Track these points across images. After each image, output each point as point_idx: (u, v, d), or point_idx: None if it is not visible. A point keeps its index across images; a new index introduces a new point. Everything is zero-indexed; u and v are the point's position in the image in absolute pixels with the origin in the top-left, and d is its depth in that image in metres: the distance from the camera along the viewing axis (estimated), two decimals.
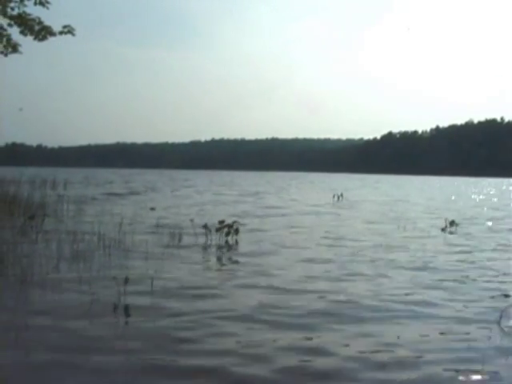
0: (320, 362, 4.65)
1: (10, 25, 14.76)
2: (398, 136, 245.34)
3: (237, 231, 12.20)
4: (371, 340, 5.26)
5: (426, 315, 6.19)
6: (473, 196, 42.32)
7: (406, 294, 7.17)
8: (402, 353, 4.89)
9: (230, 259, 10.11)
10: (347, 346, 5.07)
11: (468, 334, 5.53)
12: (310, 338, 5.27)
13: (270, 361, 4.65)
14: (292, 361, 4.67)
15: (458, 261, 10.07)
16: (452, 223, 15.55)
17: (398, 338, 5.33)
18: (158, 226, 14.26)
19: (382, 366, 4.57)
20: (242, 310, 6.24)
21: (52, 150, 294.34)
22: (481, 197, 41.09)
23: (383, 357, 4.78)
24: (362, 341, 5.24)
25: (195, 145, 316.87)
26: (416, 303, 6.70)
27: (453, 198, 38.59)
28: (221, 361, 4.61)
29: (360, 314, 6.20)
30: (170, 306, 6.30)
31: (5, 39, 14.93)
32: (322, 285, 7.70)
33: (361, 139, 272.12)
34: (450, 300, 6.92)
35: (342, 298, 6.91)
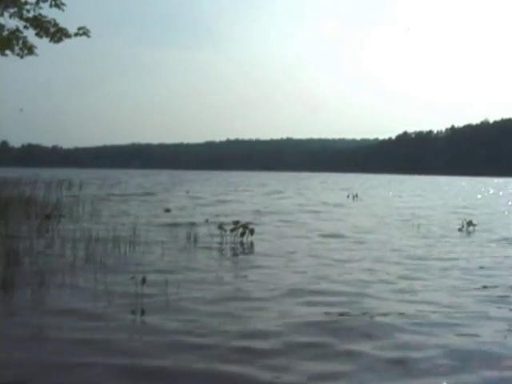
0: None
1: (25, 27, 14.86)
2: (413, 136, 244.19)
3: (252, 231, 12.19)
4: None
5: None
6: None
7: None
8: None
9: (245, 260, 10.09)
10: None
11: None
12: None
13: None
14: None
15: None
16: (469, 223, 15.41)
17: None
18: (173, 226, 14.31)
19: None
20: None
21: (67, 150, 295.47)
22: None
23: None
24: None
25: (210, 145, 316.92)
26: None
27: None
28: (239, 367, 4.54)
29: None
30: (186, 307, 6.30)
31: (21, 41, 15.01)
32: (340, 287, 7.68)
33: (376, 139, 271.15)
34: None
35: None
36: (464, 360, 4.72)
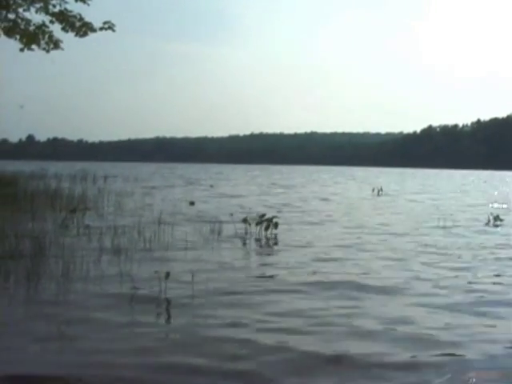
0: None
1: (51, 22, 14.95)
2: (438, 130, 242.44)
3: (276, 225, 12.17)
4: None
5: None
6: None
7: None
8: None
9: (269, 254, 10.06)
10: None
11: None
12: None
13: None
14: None
15: None
16: (496, 218, 15.26)
17: None
18: (197, 219, 14.34)
19: None
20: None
21: (92, 144, 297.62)
22: None
23: None
24: None
25: (234, 139, 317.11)
26: None
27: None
28: (266, 364, 4.46)
29: None
30: (211, 301, 6.28)
31: (47, 36, 15.11)
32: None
33: (400, 133, 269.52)
34: None
35: None
36: None
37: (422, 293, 6.89)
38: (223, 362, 4.42)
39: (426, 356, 4.60)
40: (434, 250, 10.49)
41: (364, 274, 8.05)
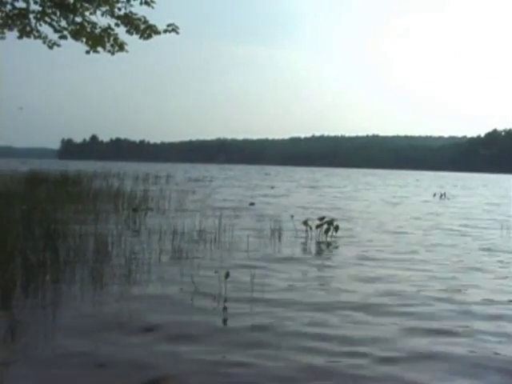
0: None
1: (117, 24, 15.20)
2: (503, 134, 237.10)
3: (336, 228, 12.08)
4: None
5: None
6: None
7: None
8: None
9: (329, 258, 9.96)
10: None
11: None
12: None
13: None
14: None
15: None
16: None
17: None
18: (257, 221, 14.37)
19: None
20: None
21: (154, 145, 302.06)
22: None
23: None
24: None
25: (295, 141, 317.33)
26: None
27: None
28: (334, 363, 4.50)
29: None
30: (269, 301, 6.27)
31: (112, 38, 15.38)
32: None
33: (464, 137, 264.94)
34: None
35: None
36: None
37: None
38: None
39: None
40: None
41: None
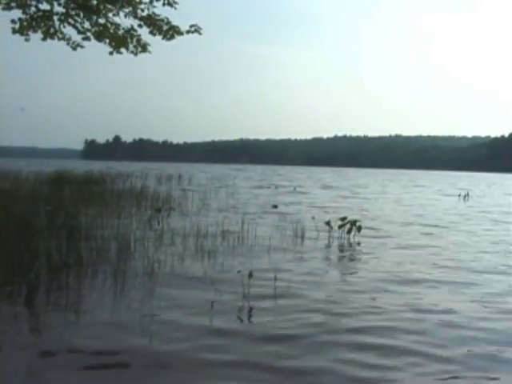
0: None
1: (140, 26, 15.24)
2: None
3: (359, 228, 12.03)
4: None
5: None
6: None
7: None
8: None
9: (351, 259, 9.91)
10: None
11: None
12: None
13: None
14: None
15: None
16: None
17: None
18: (280, 222, 14.35)
19: None
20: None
21: (177, 145, 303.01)
22: None
23: None
24: None
25: (317, 142, 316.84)
26: None
27: None
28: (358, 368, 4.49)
29: None
30: (293, 304, 6.25)
31: (135, 39, 15.43)
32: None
33: (487, 137, 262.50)
34: None
35: None
36: None
37: None
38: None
39: None
40: None
41: None
